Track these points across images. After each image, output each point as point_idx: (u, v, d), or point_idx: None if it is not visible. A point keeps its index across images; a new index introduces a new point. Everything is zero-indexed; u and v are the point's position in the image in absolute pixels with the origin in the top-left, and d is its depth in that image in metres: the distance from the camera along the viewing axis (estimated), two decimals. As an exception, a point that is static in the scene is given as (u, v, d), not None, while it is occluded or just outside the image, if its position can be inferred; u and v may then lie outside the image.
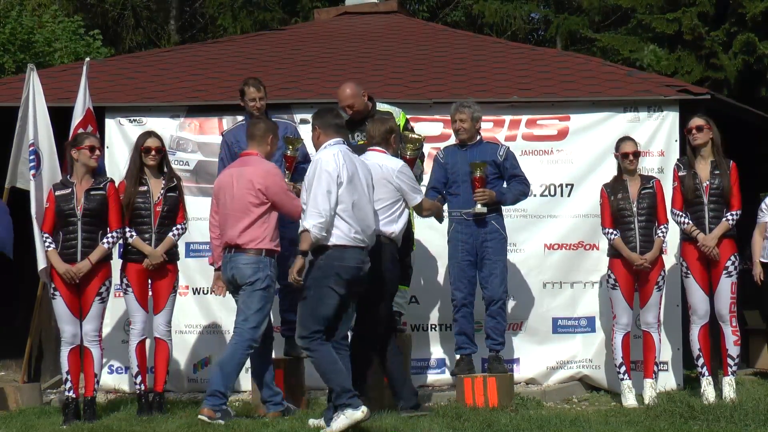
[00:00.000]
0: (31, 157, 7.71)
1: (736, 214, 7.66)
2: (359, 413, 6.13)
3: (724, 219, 7.63)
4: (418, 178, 7.72)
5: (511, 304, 8.40)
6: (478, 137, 7.81)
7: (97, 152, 7.34)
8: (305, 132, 7.85)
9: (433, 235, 8.39)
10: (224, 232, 6.93)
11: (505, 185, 7.78)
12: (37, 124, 7.88)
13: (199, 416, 6.58)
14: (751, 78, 15.54)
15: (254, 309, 6.75)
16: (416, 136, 7.46)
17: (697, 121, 7.73)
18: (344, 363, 6.47)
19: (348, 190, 6.44)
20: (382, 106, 7.82)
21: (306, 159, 7.65)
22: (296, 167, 7.50)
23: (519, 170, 7.80)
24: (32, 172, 7.64)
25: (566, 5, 21.39)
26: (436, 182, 7.83)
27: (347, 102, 7.64)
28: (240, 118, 8.54)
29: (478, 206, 7.58)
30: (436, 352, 8.57)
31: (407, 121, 7.97)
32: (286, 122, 7.96)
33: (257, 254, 6.79)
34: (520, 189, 7.79)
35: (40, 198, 7.51)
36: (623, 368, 7.76)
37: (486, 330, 7.71)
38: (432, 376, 8.57)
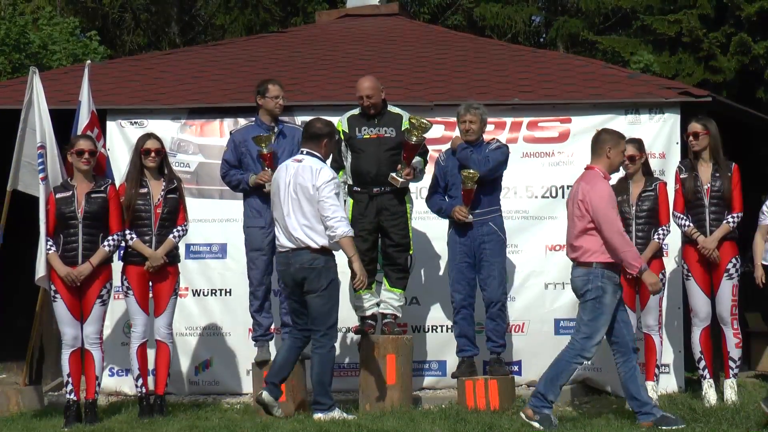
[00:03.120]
0: (40, 160, 7.70)
1: (737, 217, 7.66)
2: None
3: (725, 221, 7.63)
4: (418, 174, 7.74)
5: (512, 305, 8.40)
6: (481, 138, 7.83)
7: (86, 155, 7.28)
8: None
9: (433, 237, 8.40)
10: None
11: (501, 188, 7.83)
12: (43, 125, 7.88)
13: (520, 413, 6.61)
14: (749, 79, 15.57)
15: (586, 319, 6.65)
16: (424, 123, 7.46)
17: (694, 127, 7.72)
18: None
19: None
20: (391, 109, 7.85)
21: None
22: (276, 162, 7.50)
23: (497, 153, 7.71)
24: (41, 175, 7.62)
25: (567, 8, 21.41)
26: (437, 185, 7.84)
27: (366, 92, 7.67)
28: (242, 120, 8.56)
29: (469, 217, 7.60)
30: (437, 353, 8.56)
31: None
32: (295, 127, 7.93)
33: (587, 266, 6.66)
34: (502, 150, 7.70)
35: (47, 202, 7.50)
36: (625, 370, 7.74)
37: (486, 332, 7.72)
38: (433, 378, 8.57)
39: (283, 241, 6.94)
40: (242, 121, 8.70)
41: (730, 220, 7.63)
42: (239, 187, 7.75)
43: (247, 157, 7.65)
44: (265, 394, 6.92)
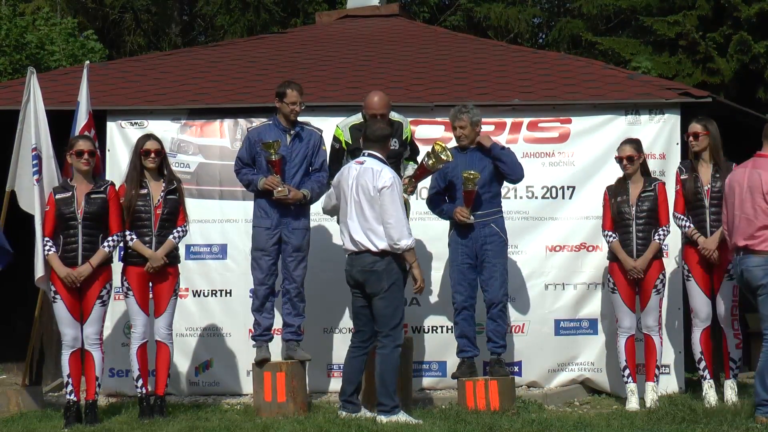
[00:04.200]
0: (35, 162, 7.69)
1: None
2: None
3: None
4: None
5: (512, 306, 8.40)
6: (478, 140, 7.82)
7: (86, 156, 7.29)
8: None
9: (433, 238, 8.39)
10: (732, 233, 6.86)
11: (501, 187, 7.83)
12: (38, 127, 7.88)
13: (756, 423, 6.55)
14: (748, 80, 15.57)
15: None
16: (448, 154, 7.42)
17: (694, 127, 7.72)
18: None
19: None
20: (391, 115, 7.84)
21: (323, 167, 7.70)
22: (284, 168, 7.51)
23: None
24: (35, 176, 7.62)
25: (569, 9, 21.40)
26: (438, 186, 7.84)
27: (380, 111, 7.60)
28: (242, 121, 8.56)
29: (471, 218, 7.60)
30: (438, 354, 8.56)
31: (412, 134, 8.01)
32: (313, 129, 7.86)
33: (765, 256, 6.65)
34: (509, 155, 7.73)
35: (42, 203, 7.50)
36: (627, 371, 7.75)
37: (487, 333, 7.71)
38: (433, 379, 8.57)
39: (346, 243, 6.96)
40: (242, 122, 8.70)
41: None
42: (249, 188, 7.75)
43: (261, 156, 7.63)
44: (344, 415, 6.88)
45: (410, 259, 6.87)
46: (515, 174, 7.70)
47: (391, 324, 6.86)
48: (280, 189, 7.47)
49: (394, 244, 6.77)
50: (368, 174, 6.87)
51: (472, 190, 7.51)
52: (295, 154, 7.63)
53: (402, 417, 6.75)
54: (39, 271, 7.37)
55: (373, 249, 6.83)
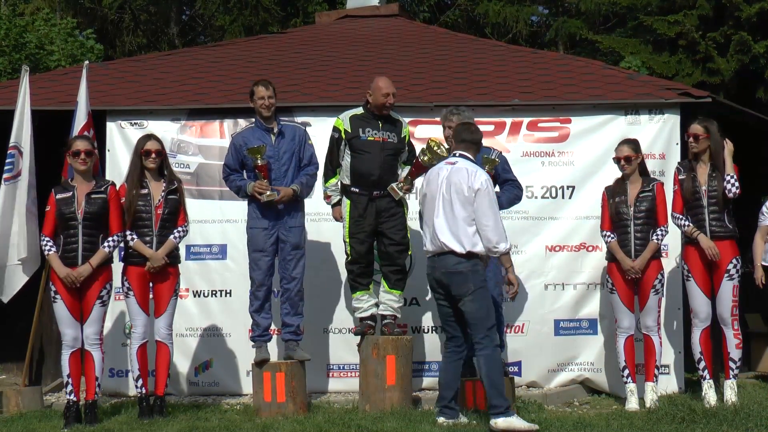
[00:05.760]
0: (9, 160, 7.70)
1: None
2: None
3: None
4: (412, 188, 7.78)
5: (512, 306, 8.40)
6: None
7: (83, 156, 7.29)
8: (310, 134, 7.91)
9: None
10: None
11: (497, 189, 7.78)
12: (22, 124, 7.90)
13: None
14: (748, 79, 15.58)
15: None
16: (443, 149, 7.40)
17: (695, 129, 7.70)
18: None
19: None
20: (392, 114, 7.87)
21: (311, 161, 7.71)
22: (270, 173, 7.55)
23: (511, 174, 7.81)
24: (6, 175, 7.63)
25: (567, 8, 21.43)
26: None
27: (392, 89, 7.73)
28: (242, 121, 8.57)
29: None
30: (437, 354, 8.55)
31: (410, 135, 8.04)
32: (295, 125, 7.94)
33: None
34: (515, 192, 7.81)
35: (7, 206, 7.60)
36: (626, 372, 7.75)
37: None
38: (433, 379, 8.55)
39: (427, 245, 6.77)
40: (242, 122, 8.70)
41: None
42: (239, 194, 7.75)
43: (250, 160, 7.65)
44: (441, 420, 6.69)
45: (506, 263, 6.70)
46: (513, 203, 7.88)
47: (487, 325, 6.58)
48: (269, 194, 7.48)
49: (492, 247, 6.53)
50: (462, 174, 6.65)
51: (489, 173, 7.48)
52: (282, 152, 7.63)
53: (516, 421, 6.47)
54: (22, 251, 7.55)
55: (459, 250, 6.58)
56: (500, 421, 6.44)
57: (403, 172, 7.83)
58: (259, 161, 7.47)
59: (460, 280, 6.59)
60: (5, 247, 8.07)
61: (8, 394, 8.20)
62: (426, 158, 7.40)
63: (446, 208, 6.65)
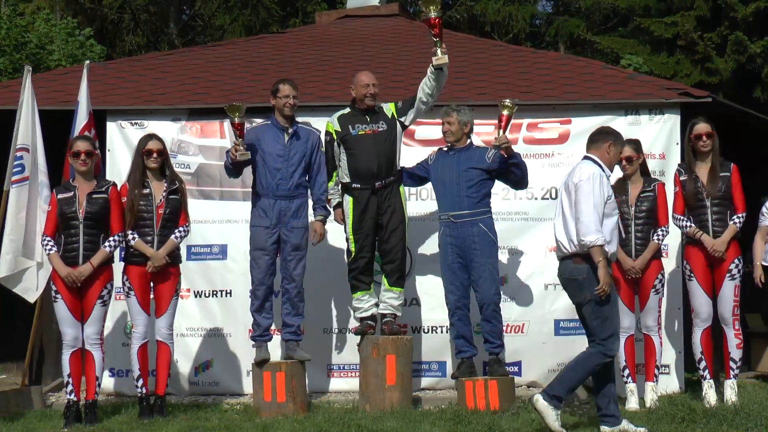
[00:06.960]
0: (18, 162, 7.69)
1: (742, 217, 7.63)
2: None
3: (731, 222, 7.60)
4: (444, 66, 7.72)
5: (512, 306, 8.41)
6: (468, 141, 7.83)
7: (83, 156, 7.30)
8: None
9: (432, 237, 8.38)
10: None
11: (496, 188, 7.84)
12: (30, 126, 7.89)
13: None
14: (745, 79, 15.60)
15: None
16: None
17: (705, 127, 7.63)
18: None
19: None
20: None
21: (321, 169, 7.77)
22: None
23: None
24: (15, 177, 7.62)
25: (568, 8, 21.43)
26: (413, 169, 7.97)
27: (372, 80, 7.74)
28: (258, 120, 8.58)
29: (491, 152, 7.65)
30: (437, 354, 8.57)
31: (397, 102, 8.01)
32: (311, 129, 7.90)
33: None
34: (524, 163, 7.79)
35: (20, 206, 7.59)
36: (627, 371, 7.75)
37: (483, 334, 7.70)
38: (432, 379, 8.57)
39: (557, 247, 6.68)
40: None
41: (736, 220, 7.62)
42: (227, 170, 7.76)
43: (258, 155, 7.64)
44: (607, 430, 6.48)
45: (595, 258, 6.37)
46: (524, 183, 7.84)
47: (601, 335, 6.39)
48: (242, 151, 7.49)
49: (580, 240, 6.38)
50: (573, 170, 6.61)
51: (509, 116, 7.42)
52: (293, 154, 7.64)
53: (626, 426, 6.41)
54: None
55: (570, 250, 6.46)
56: (608, 429, 6.42)
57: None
58: (236, 119, 7.47)
59: (575, 288, 6.51)
60: (32, 248, 8.08)
61: (8, 394, 8.20)
62: (433, 12, 7.37)
63: (559, 207, 6.62)
